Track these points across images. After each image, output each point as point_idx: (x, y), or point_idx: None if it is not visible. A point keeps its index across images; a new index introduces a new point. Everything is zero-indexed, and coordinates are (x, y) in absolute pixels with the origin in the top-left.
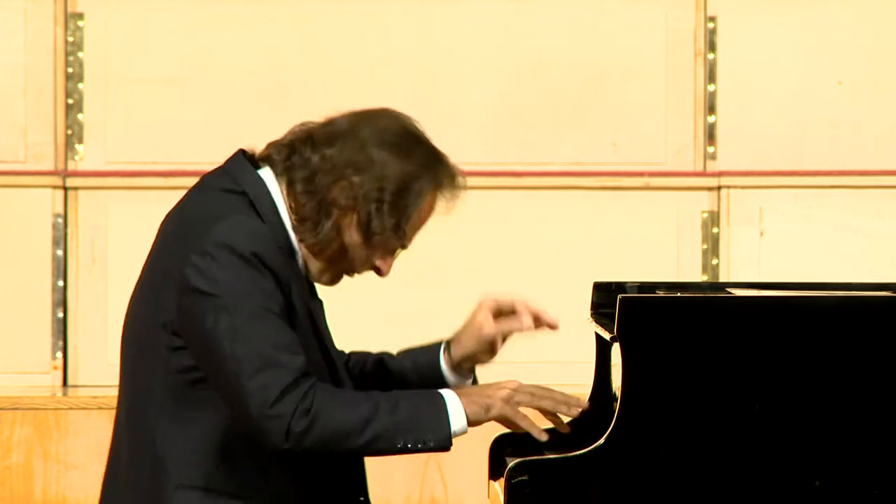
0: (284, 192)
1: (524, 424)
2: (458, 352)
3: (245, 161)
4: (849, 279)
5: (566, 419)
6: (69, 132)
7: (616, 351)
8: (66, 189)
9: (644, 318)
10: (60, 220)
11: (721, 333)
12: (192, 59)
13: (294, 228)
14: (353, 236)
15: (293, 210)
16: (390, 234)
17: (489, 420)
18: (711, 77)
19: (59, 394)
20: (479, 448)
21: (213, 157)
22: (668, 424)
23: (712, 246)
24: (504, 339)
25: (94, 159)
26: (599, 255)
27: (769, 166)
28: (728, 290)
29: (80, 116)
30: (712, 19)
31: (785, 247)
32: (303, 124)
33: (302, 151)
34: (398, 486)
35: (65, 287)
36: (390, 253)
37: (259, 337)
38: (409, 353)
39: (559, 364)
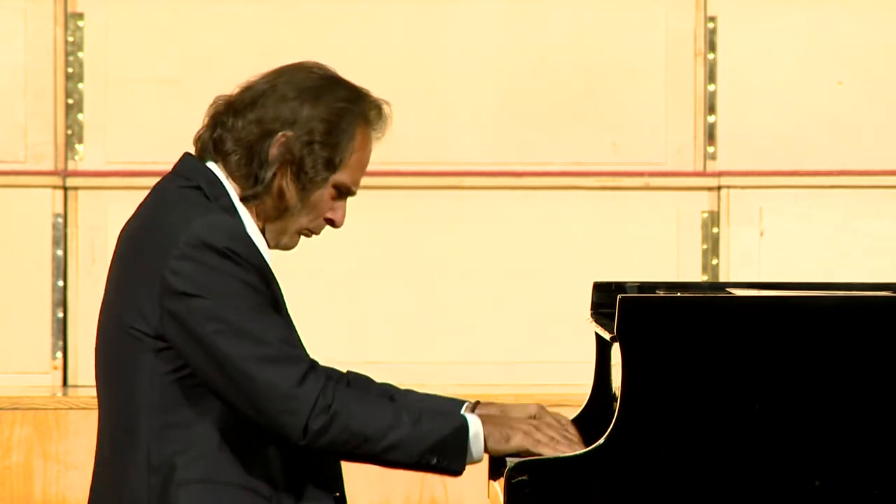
0: (224, 170)
1: (542, 451)
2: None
3: (192, 158)
4: (849, 279)
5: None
6: (69, 132)
7: (616, 351)
8: (66, 189)
9: (644, 318)
10: (60, 220)
11: (721, 333)
12: (192, 59)
13: (243, 201)
14: (293, 187)
15: (234, 178)
16: (323, 171)
17: (508, 451)
18: (711, 77)
19: (59, 394)
20: None
21: None
22: (668, 424)
23: (712, 246)
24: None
25: (93, 159)
26: (599, 255)
27: (769, 166)
28: (728, 290)
29: (80, 116)
30: (712, 19)
31: (785, 247)
32: (218, 97)
33: (225, 122)
34: (398, 486)
35: (65, 287)
36: (336, 199)
37: (258, 333)
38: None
39: (559, 364)
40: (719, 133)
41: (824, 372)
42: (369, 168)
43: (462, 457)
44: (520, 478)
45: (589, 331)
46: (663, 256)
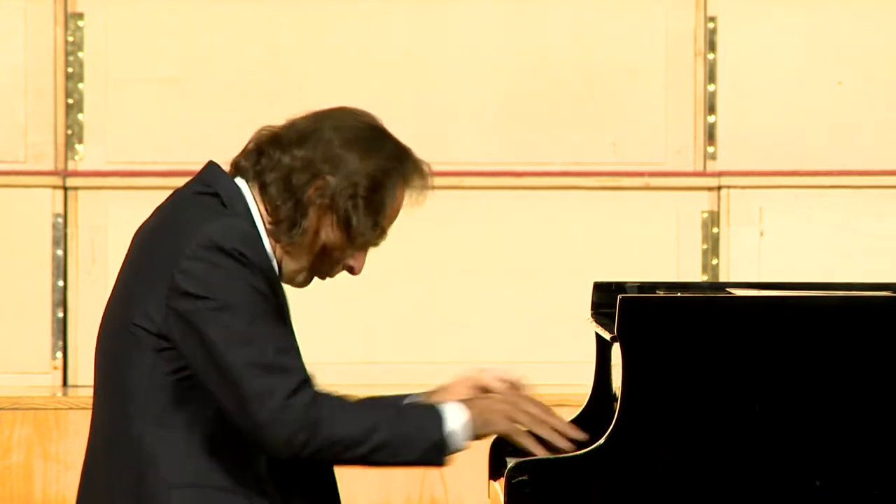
0: (258, 197)
1: (524, 442)
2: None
3: (218, 168)
4: (849, 279)
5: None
6: (69, 132)
7: (616, 351)
8: (66, 189)
9: (644, 318)
10: (60, 220)
11: (721, 333)
12: (192, 59)
13: (269, 232)
14: (332, 234)
15: (268, 212)
16: (369, 231)
17: (489, 435)
18: (711, 77)
19: (59, 394)
20: (479, 448)
21: (213, 158)
22: (669, 424)
23: (712, 246)
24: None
25: (93, 159)
26: (599, 255)
27: (769, 166)
28: (728, 290)
29: (80, 116)
30: (712, 19)
31: (785, 247)
32: (263, 128)
33: (271, 154)
34: (398, 486)
35: (65, 287)
36: (364, 251)
37: (260, 340)
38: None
39: (559, 364)
40: (719, 133)
41: (824, 372)
42: None
43: (443, 449)
44: (520, 478)
45: (589, 331)
46: (663, 256)
